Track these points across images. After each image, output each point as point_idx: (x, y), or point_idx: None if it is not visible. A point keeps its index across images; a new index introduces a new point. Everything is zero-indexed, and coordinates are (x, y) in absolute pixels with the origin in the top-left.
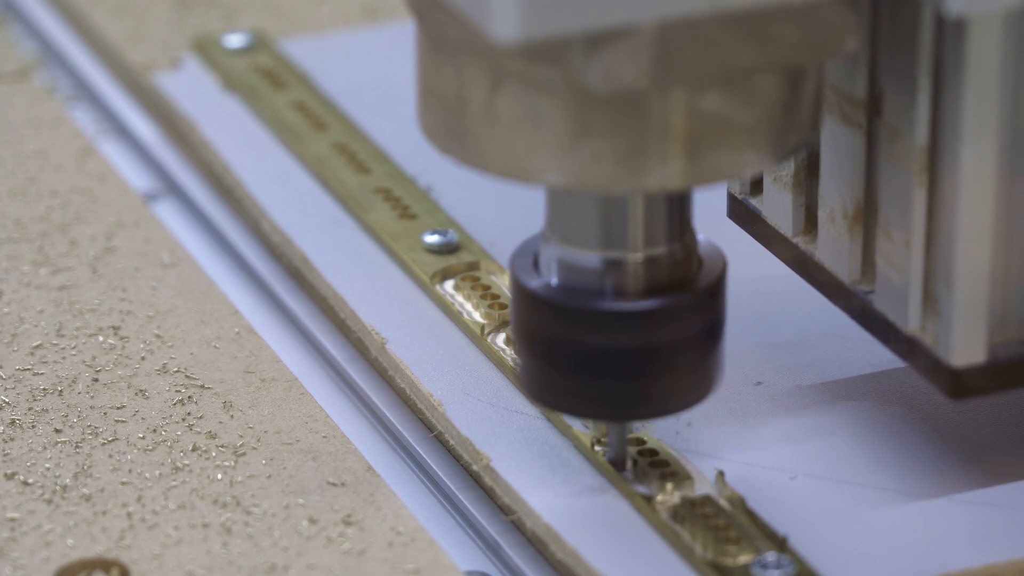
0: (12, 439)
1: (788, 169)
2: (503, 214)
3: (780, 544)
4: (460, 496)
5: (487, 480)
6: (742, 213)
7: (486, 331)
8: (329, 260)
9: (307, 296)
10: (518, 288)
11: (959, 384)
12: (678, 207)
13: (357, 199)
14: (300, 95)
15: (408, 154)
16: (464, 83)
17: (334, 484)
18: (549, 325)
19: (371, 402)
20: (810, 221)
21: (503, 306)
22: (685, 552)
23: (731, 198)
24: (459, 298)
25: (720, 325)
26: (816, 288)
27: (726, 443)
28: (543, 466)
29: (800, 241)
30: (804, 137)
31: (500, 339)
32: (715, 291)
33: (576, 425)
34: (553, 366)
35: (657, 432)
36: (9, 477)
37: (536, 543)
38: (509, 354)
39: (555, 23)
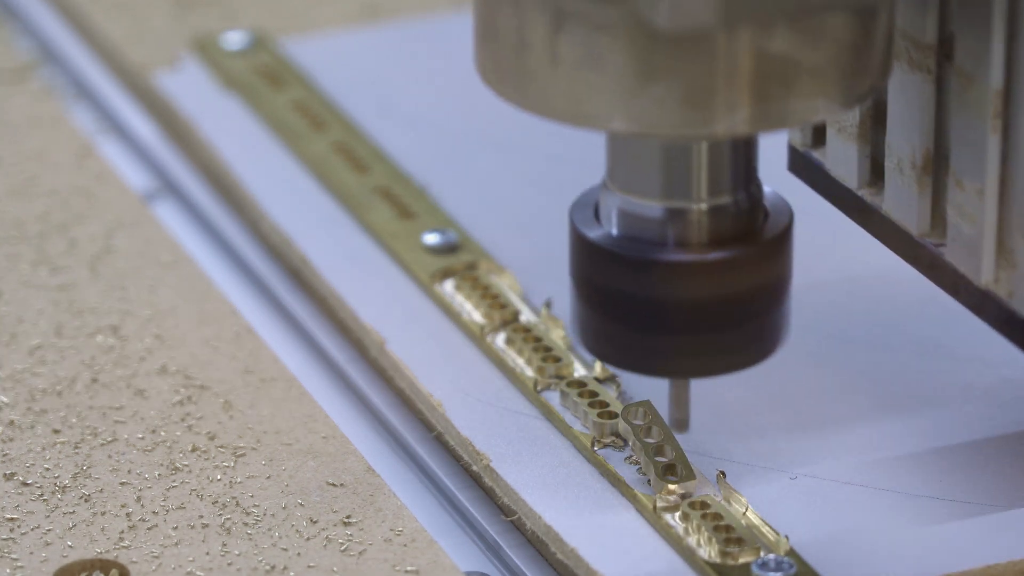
0: (11, 439)
1: (853, 119)
2: (503, 214)
3: (780, 544)
4: (460, 496)
5: (487, 480)
6: (804, 166)
7: (486, 331)
8: (329, 260)
9: (307, 296)
10: (577, 239)
11: None
12: (744, 154)
13: (356, 199)
14: (300, 95)
15: (408, 154)
16: (524, 23)
17: (334, 484)
18: (609, 276)
19: (371, 402)
20: (875, 173)
21: (503, 306)
22: (685, 552)
23: (792, 151)
24: (459, 298)
25: (786, 279)
26: (882, 242)
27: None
28: (543, 466)
29: (865, 194)
30: (874, 82)
31: (500, 339)
32: (781, 243)
33: (576, 425)
34: (614, 320)
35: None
36: (8, 477)
37: (536, 543)
38: (509, 354)
39: None
